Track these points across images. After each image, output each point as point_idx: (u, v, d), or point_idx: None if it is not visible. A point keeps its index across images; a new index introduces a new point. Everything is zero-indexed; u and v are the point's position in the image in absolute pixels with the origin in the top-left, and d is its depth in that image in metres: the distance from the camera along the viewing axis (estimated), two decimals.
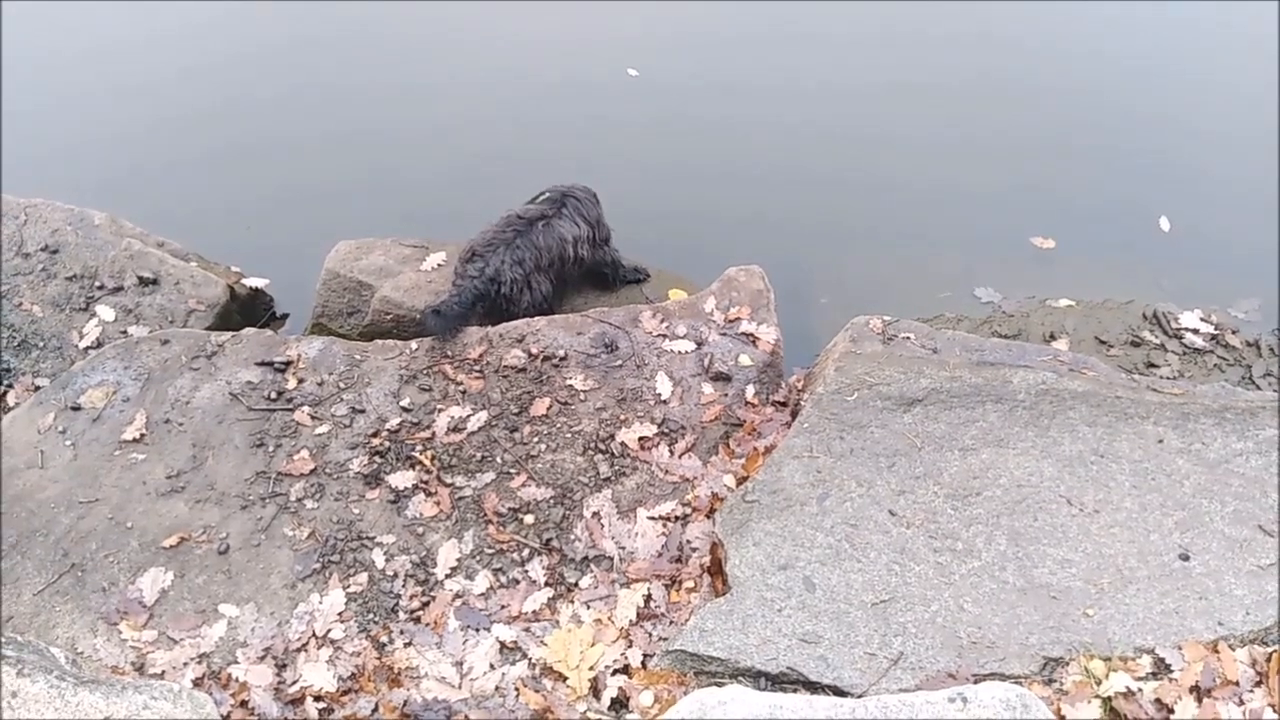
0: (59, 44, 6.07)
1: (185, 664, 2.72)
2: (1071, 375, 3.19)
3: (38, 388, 3.63)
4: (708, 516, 3.02)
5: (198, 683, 2.66)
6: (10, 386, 3.70)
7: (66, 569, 2.89)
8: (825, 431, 3.03)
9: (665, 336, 3.51)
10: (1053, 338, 4.10)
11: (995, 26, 6.19)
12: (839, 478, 2.90)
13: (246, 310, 4.18)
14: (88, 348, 3.77)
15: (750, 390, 3.36)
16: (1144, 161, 5.19)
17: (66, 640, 2.73)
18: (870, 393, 3.11)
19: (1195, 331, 4.09)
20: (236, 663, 2.71)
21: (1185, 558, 2.63)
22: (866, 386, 3.13)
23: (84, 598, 2.84)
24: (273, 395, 3.32)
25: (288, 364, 3.40)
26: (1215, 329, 4.10)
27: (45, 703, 2.02)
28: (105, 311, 3.88)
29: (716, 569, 2.87)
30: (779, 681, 2.47)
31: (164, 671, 2.69)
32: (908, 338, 3.38)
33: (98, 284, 3.96)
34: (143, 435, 3.21)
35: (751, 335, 3.50)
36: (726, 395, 3.35)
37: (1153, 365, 3.94)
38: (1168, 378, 3.74)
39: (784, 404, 3.36)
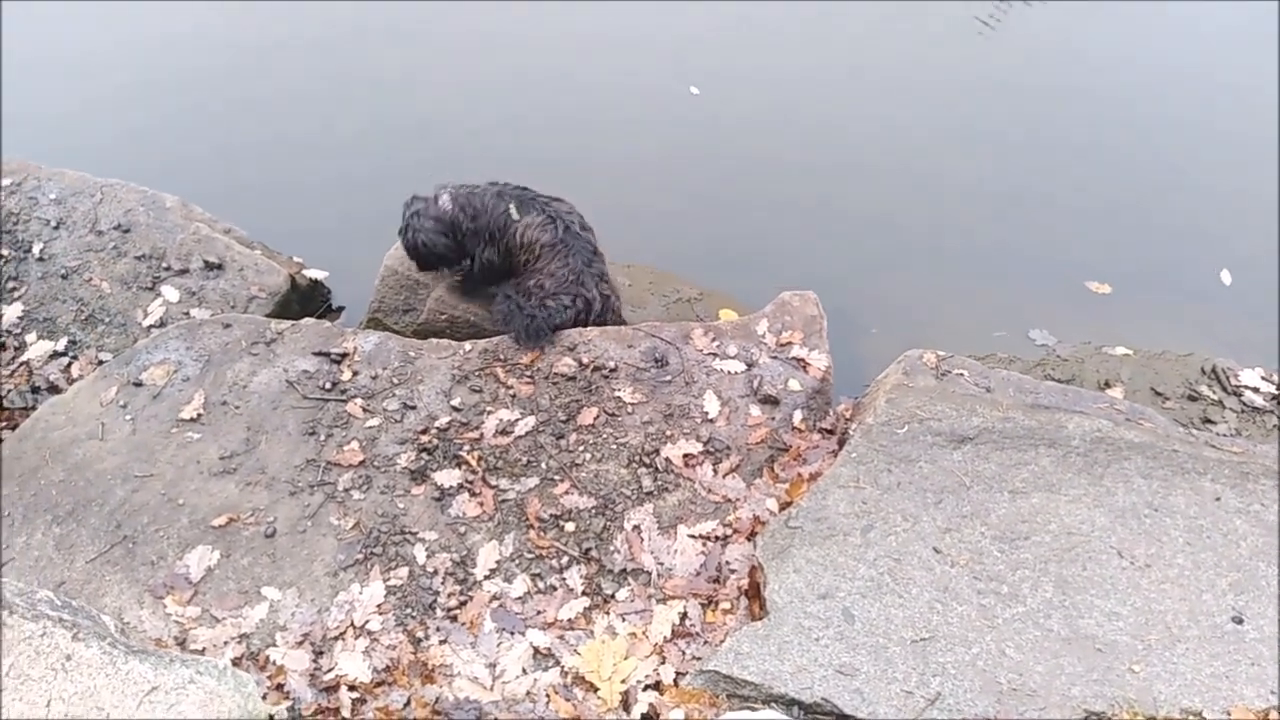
0: (139, 31, 6.24)
1: (225, 643, 2.77)
2: (1128, 425, 3.14)
3: (101, 362, 3.73)
4: (748, 539, 3.01)
5: (236, 662, 2.70)
6: (75, 358, 3.81)
7: (119, 540, 2.96)
8: (873, 463, 3.01)
9: (716, 355, 3.52)
10: (1107, 385, 4.03)
11: (1059, 56, 6.16)
12: (884, 510, 2.88)
13: (305, 300, 4.26)
14: (151, 326, 3.87)
15: (798, 415, 3.35)
16: (1208, 209, 5.10)
17: (114, 609, 2.80)
18: (921, 427, 3.09)
19: (1255, 390, 4.00)
20: (275, 646, 2.75)
21: (1239, 621, 2.57)
22: (917, 420, 3.11)
23: (133, 569, 2.90)
24: (327, 385, 3.38)
25: (344, 356, 3.46)
26: (1276, 388, 4.00)
27: (97, 669, 2.07)
28: (170, 292, 3.97)
29: (754, 593, 2.86)
30: (812, 711, 2.45)
31: (205, 648, 2.74)
32: (961, 374, 3.35)
33: (165, 265, 4.06)
34: (200, 415, 3.28)
35: (802, 360, 3.49)
36: (774, 419, 3.34)
37: (1209, 421, 3.86)
38: (1225, 435, 3.66)
39: (831, 432, 3.34)
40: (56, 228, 4.18)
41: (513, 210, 3.66)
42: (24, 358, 3.79)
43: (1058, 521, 2.84)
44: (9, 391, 3.67)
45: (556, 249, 3.63)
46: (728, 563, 2.97)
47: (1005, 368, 3.98)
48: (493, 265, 3.75)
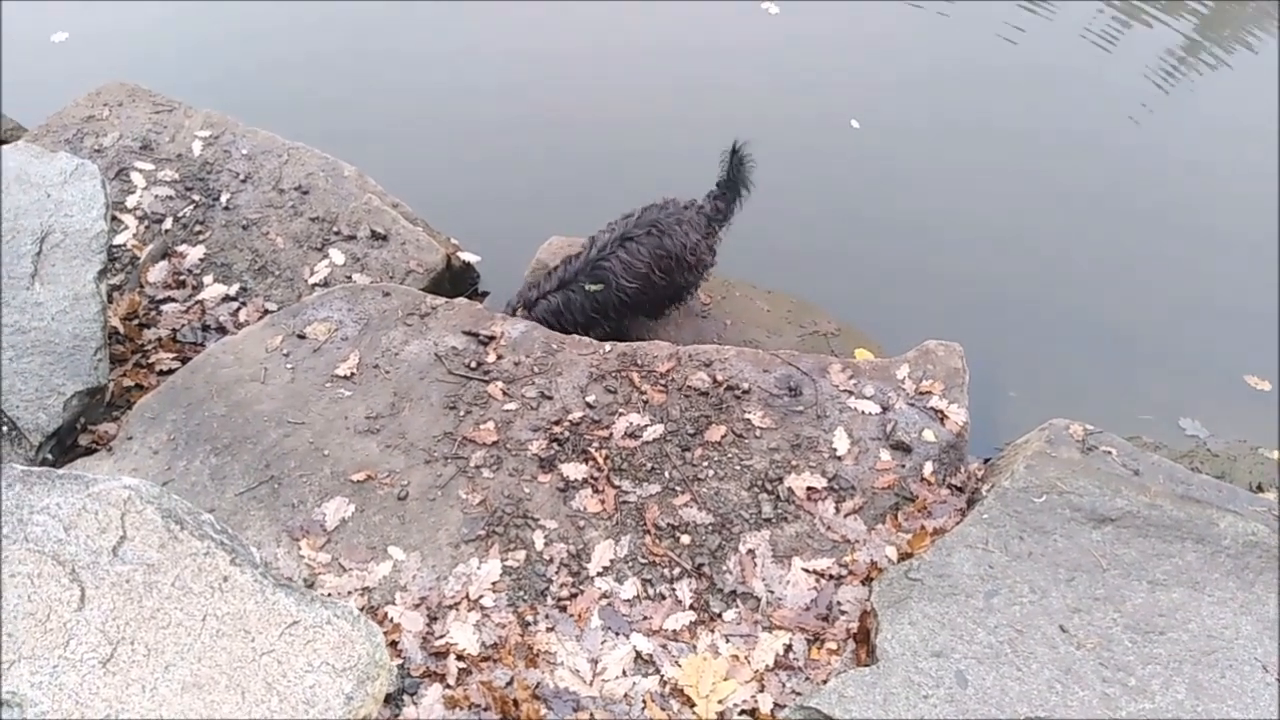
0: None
1: (349, 593, 2.90)
2: None
3: (267, 310, 3.99)
4: (863, 583, 2.97)
5: None
6: (244, 304, 4.08)
7: (266, 479, 3.15)
8: (1005, 527, 2.92)
9: (851, 394, 3.49)
10: (1260, 489, 3.79)
11: (1235, 136, 5.85)
12: (1011, 578, 2.79)
13: (456, 280, 4.44)
14: (315, 284, 4.10)
15: (929, 467, 3.28)
16: None
17: (254, 543, 2.97)
18: (1060, 499, 2.98)
19: None
20: (393, 604, 2.87)
21: None
22: (1057, 492, 3.00)
23: (275, 509, 3.08)
24: (472, 364, 3.51)
25: (491, 338, 3.59)
26: None
27: (249, 595, 2.21)
28: (337, 255, 4.21)
29: (863, 638, 2.82)
30: None
31: (330, 594, 2.88)
32: (1109, 452, 3.22)
33: (335, 229, 4.31)
34: (353, 374, 3.47)
35: (940, 412, 3.42)
36: (903, 466, 3.29)
37: None
38: None
39: (961, 489, 3.26)
40: (244, 181, 4.49)
41: (589, 288, 3.81)
42: (199, 297, 4.08)
43: (1198, 622, 2.69)
44: (183, 327, 3.96)
45: (655, 235, 3.83)
46: (839, 603, 2.94)
47: (1152, 453, 3.81)
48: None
